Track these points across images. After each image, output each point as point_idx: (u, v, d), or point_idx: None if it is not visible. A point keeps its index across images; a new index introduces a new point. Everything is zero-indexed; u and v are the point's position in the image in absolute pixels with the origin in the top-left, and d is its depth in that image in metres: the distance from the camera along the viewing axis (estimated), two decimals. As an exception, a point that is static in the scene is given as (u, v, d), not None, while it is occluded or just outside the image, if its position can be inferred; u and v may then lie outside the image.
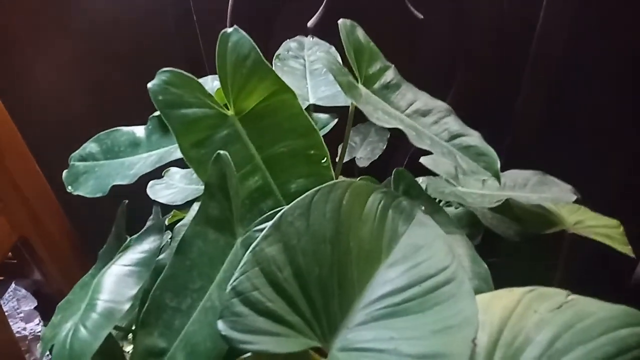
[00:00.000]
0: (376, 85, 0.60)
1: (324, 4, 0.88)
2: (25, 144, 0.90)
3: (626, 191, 0.86)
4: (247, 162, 0.52)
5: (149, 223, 0.70)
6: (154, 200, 0.70)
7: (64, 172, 0.65)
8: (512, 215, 0.67)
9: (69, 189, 0.64)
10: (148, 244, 0.58)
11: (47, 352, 0.55)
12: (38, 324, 1.02)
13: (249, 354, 0.42)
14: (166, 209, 0.71)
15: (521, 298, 0.39)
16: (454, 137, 0.58)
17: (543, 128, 0.89)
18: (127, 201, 0.70)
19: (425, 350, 0.36)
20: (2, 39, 0.97)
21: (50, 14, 0.96)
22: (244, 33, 0.53)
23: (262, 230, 0.41)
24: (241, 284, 0.38)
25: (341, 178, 0.52)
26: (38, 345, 0.97)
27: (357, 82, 0.58)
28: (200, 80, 0.53)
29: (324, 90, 0.68)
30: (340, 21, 0.58)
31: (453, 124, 0.59)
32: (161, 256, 0.57)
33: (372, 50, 0.62)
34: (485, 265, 0.52)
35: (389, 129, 0.87)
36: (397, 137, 0.82)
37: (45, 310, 1.03)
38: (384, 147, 0.87)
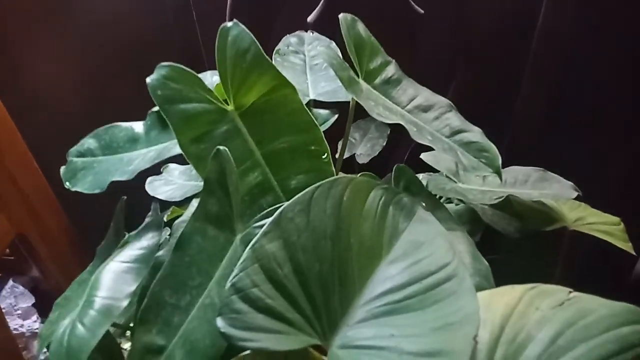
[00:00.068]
0: (377, 81, 0.60)
1: (324, -1, 0.88)
2: (24, 141, 0.90)
3: (626, 191, 0.86)
4: (247, 158, 0.52)
5: (147, 219, 0.70)
6: (153, 197, 0.70)
7: (62, 168, 0.65)
8: (512, 211, 0.67)
9: (67, 185, 0.63)
10: (147, 241, 0.58)
11: (45, 349, 0.55)
12: (36, 321, 1.01)
13: (248, 352, 0.42)
14: (165, 205, 0.71)
15: (523, 295, 0.39)
16: (455, 133, 0.57)
17: (543, 128, 0.89)
18: (125, 197, 0.69)
19: (426, 348, 0.35)
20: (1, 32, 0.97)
21: (50, 5, 0.95)
22: (243, 27, 0.52)
23: (262, 226, 0.41)
24: (241, 281, 0.38)
25: (341, 174, 0.52)
26: (35, 342, 0.97)
27: (358, 77, 0.58)
28: (200, 75, 0.53)
29: (324, 86, 0.68)
30: (341, 15, 0.58)
31: (454, 119, 0.59)
32: (160, 253, 0.56)
33: (373, 45, 0.61)
34: (486, 262, 0.52)
35: (390, 125, 0.87)
36: (397, 133, 0.82)
37: (43, 307, 1.02)
38: (384, 144, 0.87)
